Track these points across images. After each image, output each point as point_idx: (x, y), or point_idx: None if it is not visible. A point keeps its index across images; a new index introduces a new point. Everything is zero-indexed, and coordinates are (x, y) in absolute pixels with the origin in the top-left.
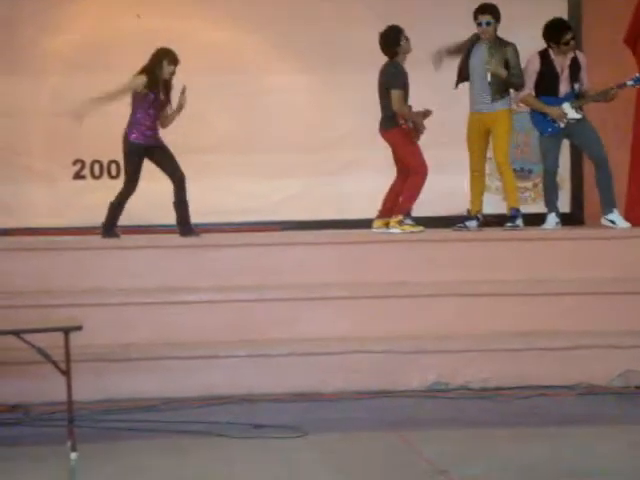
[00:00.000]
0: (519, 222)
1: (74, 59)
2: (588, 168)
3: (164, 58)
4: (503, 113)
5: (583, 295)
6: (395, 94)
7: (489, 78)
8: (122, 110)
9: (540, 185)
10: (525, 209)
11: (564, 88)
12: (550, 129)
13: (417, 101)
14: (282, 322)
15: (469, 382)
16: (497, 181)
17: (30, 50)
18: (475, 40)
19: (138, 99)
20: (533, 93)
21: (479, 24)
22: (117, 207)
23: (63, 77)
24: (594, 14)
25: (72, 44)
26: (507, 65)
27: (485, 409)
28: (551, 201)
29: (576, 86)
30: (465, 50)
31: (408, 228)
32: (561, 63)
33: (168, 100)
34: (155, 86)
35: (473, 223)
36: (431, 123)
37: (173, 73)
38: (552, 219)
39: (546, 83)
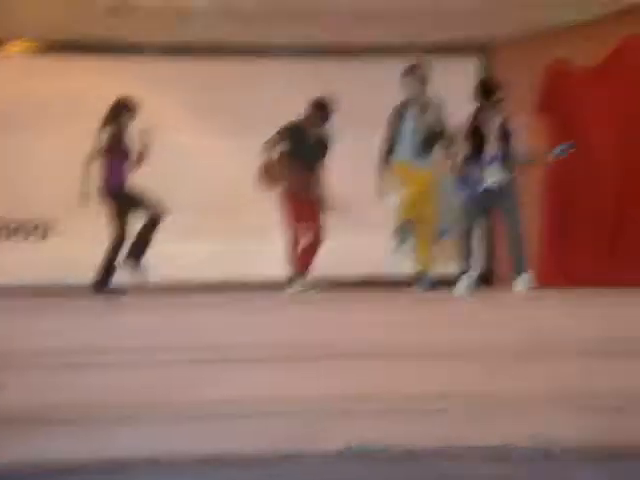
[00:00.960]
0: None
1: None
2: (499, 229)
3: (123, 107)
4: (427, 173)
5: (498, 358)
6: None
7: (419, 136)
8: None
9: (452, 247)
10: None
11: (491, 151)
12: (469, 191)
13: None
14: (206, 383)
15: (390, 444)
16: None
17: None
18: (403, 105)
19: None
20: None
21: (406, 84)
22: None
23: None
24: (505, 79)
25: None
26: (437, 123)
27: (407, 472)
28: (465, 263)
29: (502, 149)
30: (396, 118)
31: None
32: (490, 125)
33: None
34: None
35: (426, 282)
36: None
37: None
38: (465, 281)
39: (474, 145)
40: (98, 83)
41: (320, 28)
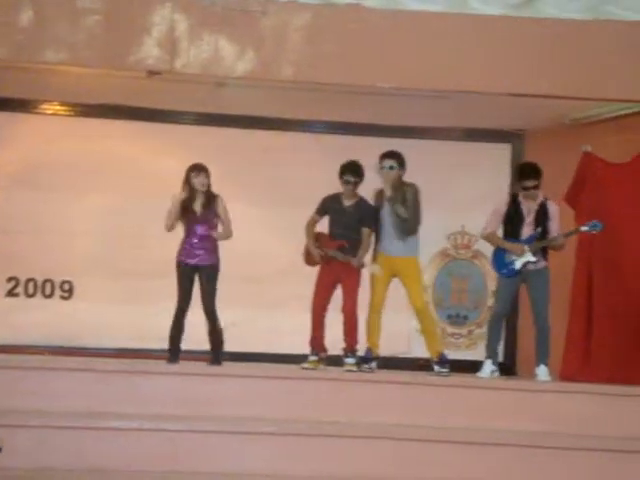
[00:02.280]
0: (448, 367)
1: (20, 174)
2: (523, 317)
3: (191, 171)
4: (411, 260)
5: (510, 447)
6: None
7: (392, 222)
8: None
9: (475, 332)
10: (459, 355)
11: (527, 232)
12: (505, 270)
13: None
14: (210, 454)
15: None
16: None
17: None
18: (377, 191)
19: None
20: (495, 232)
21: (382, 168)
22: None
23: (9, 191)
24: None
25: (19, 162)
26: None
27: None
28: (491, 347)
29: (538, 230)
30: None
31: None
32: (528, 208)
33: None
34: (188, 200)
35: (374, 364)
36: None
37: (204, 184)
38: (488, 367)
39: (511, 226)
40: (132, 148)
41: (356, 106)
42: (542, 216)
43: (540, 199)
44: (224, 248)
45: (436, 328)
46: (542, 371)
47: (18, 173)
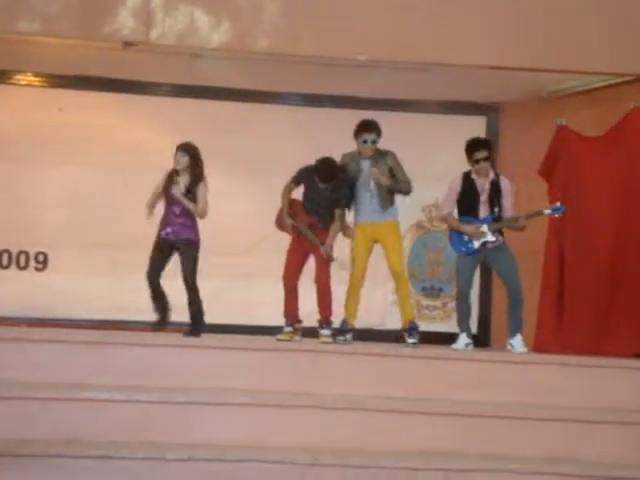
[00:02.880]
0: (416, 336)
1: None
2: (496, 291)
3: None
4: (392, 224)
5: (485, 418)
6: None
7: (374, 189)
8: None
9: (449, 304)
10: (433, 328)
11: (484, 210)
12: (464, 249)
13: None
14: (181, 426)
15: None
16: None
17: None
18: (353, 158)
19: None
20: (453, 213)
21: (364, 142)
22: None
23: None
24: (510, 140)
25: None
26: (392, 173)
27: None
28: (463, 321)
29: (495, 210)
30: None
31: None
32: (482, 185)
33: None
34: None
35: (350, 336)
36: None
37: (180, 162)
38: (462, 340)
39: (466, 204)
40: (107, 119)
41: (330, 78)
42: (496, 193)
43: (492, 176)
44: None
45: (409, 296)
46: (518, 341)
47: None
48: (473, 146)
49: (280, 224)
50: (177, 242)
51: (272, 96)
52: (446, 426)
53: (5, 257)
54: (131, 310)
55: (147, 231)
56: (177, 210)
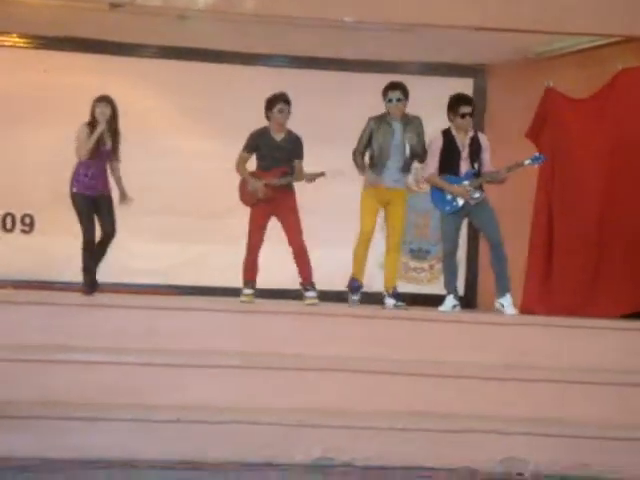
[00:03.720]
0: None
1: None
2: (483, 251)
3: (95, 101)
4: (404, 193)
5: (472, 379)
6: (239, 154)
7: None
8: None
9: (437, 266)
10: (420, 290)
11: (464, 167)
12: (448, 207)
13: None
14: (169, 388)
15: (354, 459)
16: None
17: None
18: (379, 121)
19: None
20: (436, 173)
21: (389, 100)
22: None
23: None
24: (498, 102)
25: None
26: (419, 140)
27: None
28: (450, 282)
29: (476, 166)
30: (374, 133)
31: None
32: (462, 141)
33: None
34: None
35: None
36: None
37: (103, 113)
38: (449, 301)
39: (448, 161)
40: (92, 81)
41: (315, 40)
42: (476, 149)
43: (471, 132)
44: (179, 183)
45: (399, 265)
46: (507, 301)
47: None
48: (458, 100)
49: (245, 197)
50: (99, 198)
51: (258, 58)
52: (433, 387)
53: None
54: (114, 272)
55: (132, 193)
56: (102, 165)
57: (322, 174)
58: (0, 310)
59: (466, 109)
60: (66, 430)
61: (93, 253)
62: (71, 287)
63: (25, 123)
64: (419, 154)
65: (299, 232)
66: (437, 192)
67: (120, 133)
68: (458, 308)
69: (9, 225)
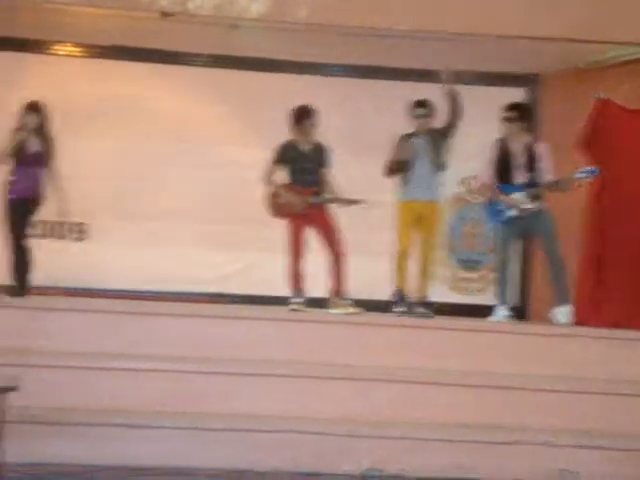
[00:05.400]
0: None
1: None
2: (538, 261)
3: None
4: (436, 204)
5: (524, 390)
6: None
7: (430, 169)
8: (71, 169)
9: (487, 277)
10: (470, 300)
11: (519, 176)
12: (500, 217)
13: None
14: (220, 396)
15: (403, 470)
16: (444, 270)
17: None
18: (410, 135)
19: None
20: (489, 181)
21: (415, 116)
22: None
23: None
24: (550, 112)
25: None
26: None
27: None
28: (501, 293)
29: (530, 175)
30: (401, 146)
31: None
32: (516, 150)
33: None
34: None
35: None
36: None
37: (34, 122)
38: (501, 312)
39: (502, 170)
40: (144, 90)
41: (368, 49)
42: (532, 157)
43: (527, 139)
44: (230, 191)
45: (432, 275)
46: (563, 312)
47: None
48: (506, 106)
49: (278, 210)
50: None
51: (310, 67)
52: (482, 398)
53: (44, 227)
54: (167, 280)
55: (183, 201)
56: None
57: (364, 202)
58: (52, 317)
59: (510, 114)
60: (116, 437)
61: (25, 259)
62: (120, 295)
63: (79, 132)
64: (439, 167)
65: (337, 241)
66: (491, 203)
67: (52, 138)
68: (509, 319)
69: (61, 233)
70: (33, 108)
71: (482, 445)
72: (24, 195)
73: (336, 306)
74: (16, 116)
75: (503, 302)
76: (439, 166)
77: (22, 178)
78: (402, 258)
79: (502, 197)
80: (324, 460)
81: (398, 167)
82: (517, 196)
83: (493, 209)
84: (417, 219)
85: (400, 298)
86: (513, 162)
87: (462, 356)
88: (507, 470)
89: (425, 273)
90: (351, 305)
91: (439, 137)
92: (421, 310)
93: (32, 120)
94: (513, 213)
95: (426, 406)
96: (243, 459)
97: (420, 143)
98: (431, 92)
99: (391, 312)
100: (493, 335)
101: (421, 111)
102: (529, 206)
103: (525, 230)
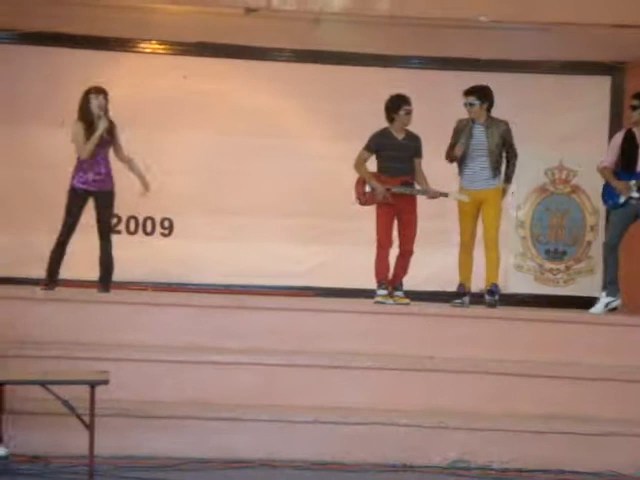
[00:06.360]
0: (497, 298)
1: (120, 115)
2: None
3: (89, 93)
4: (496, 191)
5: (613, 381)
6: (358, 153)
7: (487, 157)
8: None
9: (573, 267)
10: (556, 291)
11: None
12: (611, 202)
13: None
14: (307, 389)
15: (491, 462)
16: (529, 261)
17: (74, 104)
18: (470, 122)
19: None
20: (610, 166)
21: (465, 104)
22: (55, 257)
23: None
24: None
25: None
26: (504, 142)
27: None
28: (608, 276)
29: None
30: (458, 133)
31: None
32: None
33: (110, 136)
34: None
35: (467, 299)
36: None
37: (102, 106)
38: (602, 303)
39: (625, 157)
40: (229, 86)
41: (451, 40)
42: None
43: None
44: (314, 185)
45: (499, 261)
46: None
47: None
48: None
49: (363, 197)
50: (97, 194)
51: (391, 59)
52: (570, 389)
53: (132, 223)
54: (253, 274)
55: (267, 197)
56: (100, 158)
57: (445, 194)
58: (142, 311)
59: (634, 102)
60: (206, 430)
61: (62, 250)
62: (208, 289)
63: (165, 128)
64: (501, 156)
65: (412, 238)
66: (608, 186)
67: (113, 122)
68: (616, 304)
69: (149, 228)
70: (100, 91)
71: (571, 436)
72: (96, 186)
73: (390, 297)
74: (79, 104)
75: (607, 286)
76: (495, 156)
77: (97, 169)
78: (464, 251)
79: (615, 182)
80: (412, 452)
81: (455, 154)
82: (631, 183)
83: (609, 193)
84: (478, 207)
85: (461, 292)
86: (637, 150)
87: (549, 347)
88: (598, 462)
89: (489, 261)
90: (403, 297)
91: (498, 127)
92: (487, 299)
93: (102, 105)
94: (622, 200)
95: (513, 397)
96: (331, 452)
97: (474, 131)
98: (515, 83)
99: (452, 304)
100: (579, 326)
101: (469, 99)
102: (636, 195)
103: (635, 218)
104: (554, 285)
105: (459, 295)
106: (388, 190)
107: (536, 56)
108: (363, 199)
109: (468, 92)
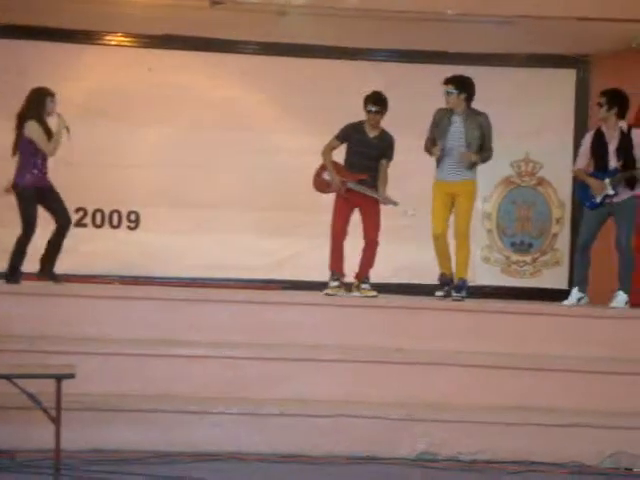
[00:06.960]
0: (463, 294)
1: (86, 105)
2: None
3: (45, 95)
4: (470, 184)
5: (579, 373)
6: (329, 140)
7: (464, 149)
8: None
9: (539, 259)
10: (522, 283)
11: (613, 163)
12: (588, 202)
13: None
14: (274, 381)
15: (459, 453)
16: (496, 253)
17: None
18: (449, 112)
19: (26, 143)
20: (583, 167)
21: (444, 93)
22: (20, 253)
23: (74, 123)
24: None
25: (85, 93)
26: (482, 135)
27: None
28: (577, 275)
29: (619, 163)
30: (437, 126)
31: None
32: (610, 136)
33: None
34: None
35: (449, 288)
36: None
37: (55, 107)
38: (574, 295)
39: (596, 156)
40: (194, 78)
41: (417, 33)
42: (626, 145)
43: (621, 126)
44: (283, 178)
45: (469, 256)
46: (620, 299)
47: (82, 105)
48: (618, 96)
49: (319, 184)
50: (45, 189)
51: (359, 52)
52: (538, 381)
53: (98, 216)
54: (219, 268)
55: (233, 189)
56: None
57: (395, 203)
58: (107, 305)
59: (601, 99)
60: (172, 423)
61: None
62: (174, 282)
63: (131, 121)
64: (479, 149)
65: (375, 227)
66: (581, 186)
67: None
68: (584, 301)
69: (116, 222)
70: (53, 94)
71: (538, 427)
72: (44, 182)
73: (357, 290)
74: (30, 103)
75: (577, 284)
76: (473, 148)
77: (44, 166)
78: (438, 241)
79: (591, 181)
80: (379, 444)
81: (434, 154)
82: (603, 182)
83: (584, 193)
84: (451, 198)
85: (443, 282)
86: (606, 148)
87: (517, 339)
88: (564, 453)
89: (458, 255)
90: (369, 290)
91: (476, 119)
92: (455, 294)
93: (55, 106)
94: (599, 199)
95: (481, 389)
96: (298, 444)
97: (452, 121)
98: (481, 76)
99: (453, 298)
100: (547, 318)
101: (447, 88)
102: (611, 192)
103: (607, 217)
104: (521, 277)
105: (442, 285)
106: (344, 183)
107: (502, 49)
108: (317, 185)
109: (447, 81)
